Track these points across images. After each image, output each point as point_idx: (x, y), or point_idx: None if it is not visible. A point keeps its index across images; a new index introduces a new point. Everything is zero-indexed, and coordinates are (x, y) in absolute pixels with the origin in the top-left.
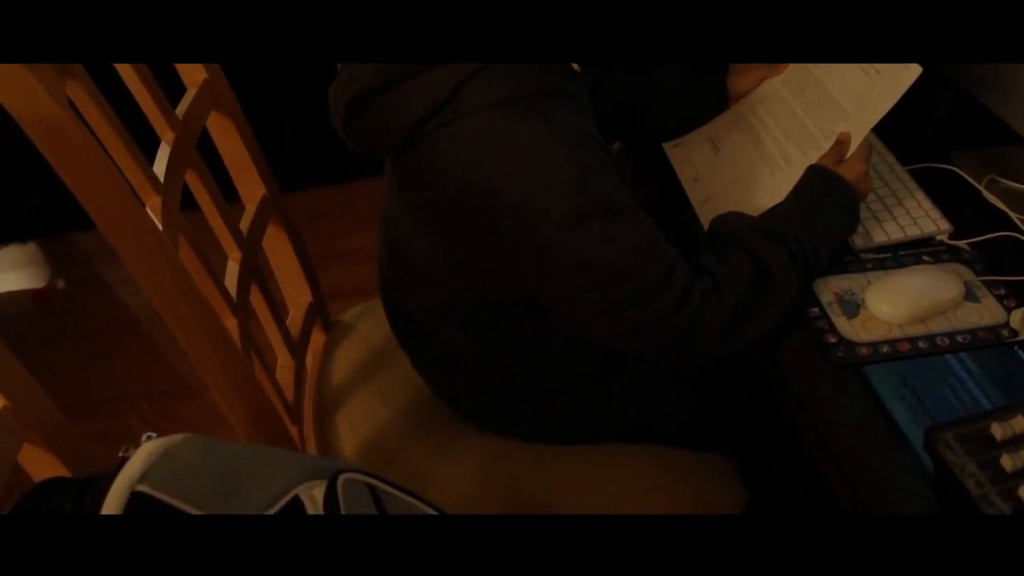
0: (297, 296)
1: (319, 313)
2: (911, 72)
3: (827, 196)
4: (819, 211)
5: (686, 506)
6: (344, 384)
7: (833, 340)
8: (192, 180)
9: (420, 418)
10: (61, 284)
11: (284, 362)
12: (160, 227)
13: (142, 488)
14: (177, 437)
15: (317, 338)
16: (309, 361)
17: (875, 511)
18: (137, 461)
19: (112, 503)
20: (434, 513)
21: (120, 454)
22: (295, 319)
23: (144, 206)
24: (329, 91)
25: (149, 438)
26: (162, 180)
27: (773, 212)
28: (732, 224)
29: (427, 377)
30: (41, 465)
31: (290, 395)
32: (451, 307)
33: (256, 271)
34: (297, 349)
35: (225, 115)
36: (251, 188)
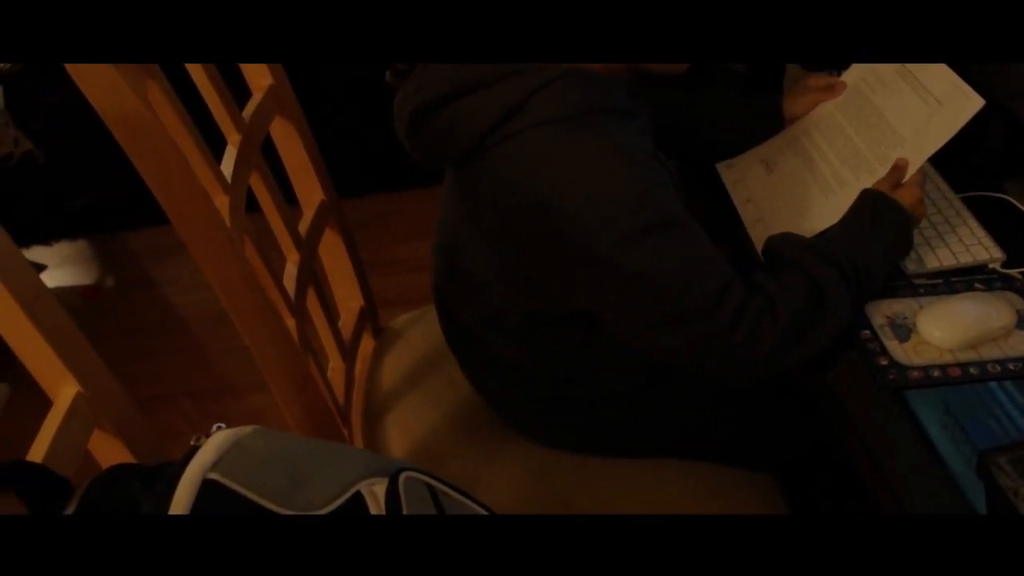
0: (349, 301)
1: (370, 318)
2: (973, 103)
3: (881, 219)
4: (873, 234)
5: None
6: (393, 389)
7: (884, 363)
8: (255, 182)
9: (467, 425)
10: (109, 282)
11: (335, 365)
12: (228, 225)
13: (213, 476)
14: (247, 428)
15: (367, 343)
16: (359, 366)
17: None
18: (209, 449)
19: (185, 490)
20: (483, 512)
21: (192, 443)
22: (346, 323)
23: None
24: (395, 101)
25: (219, 428)
26: (229, 180)
27: (827, 234)
28: (787, 244)
29: (477, 384)
30: (110, 451)
31: (341, 398)
32: (504, 317)
33: (312, 274)
34: (348, 353)
35: (288, 120)
36: (310, 193)
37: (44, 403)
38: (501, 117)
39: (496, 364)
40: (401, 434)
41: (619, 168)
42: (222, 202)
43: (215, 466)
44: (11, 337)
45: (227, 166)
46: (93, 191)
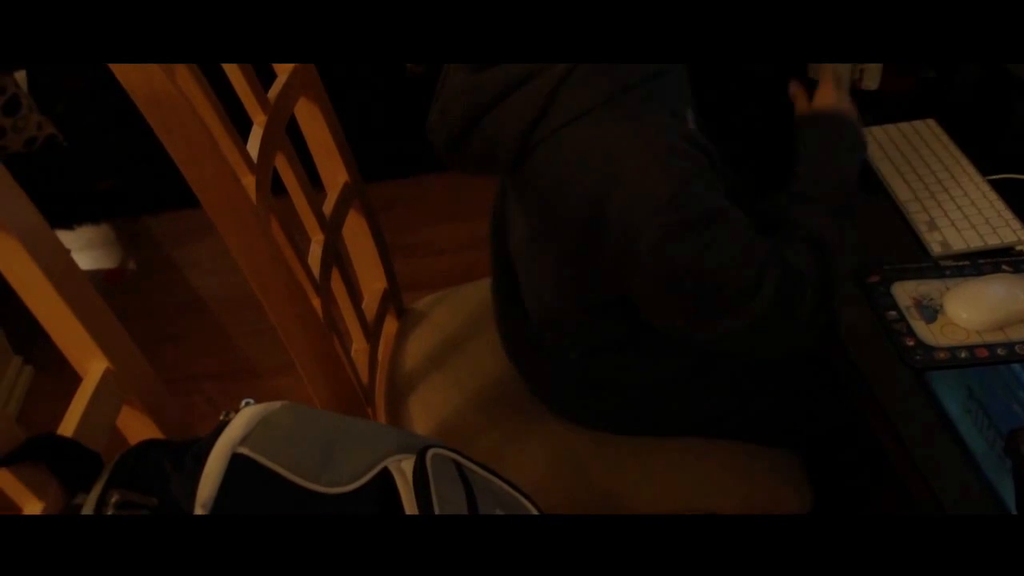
0: (372, 282)
1: (393, 300)
2: None
3: (827, 132)
4: (833, 150)
5: (753, 503)
6: (416, 370)
7: (911, 343)
8: (280, 163)
9: (491, 405)
10: (132, 265)
11: (359, 346)
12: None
13: (243, 451)
14: (276, 404)
15: (390, 324)
16: (382, 347)
17: (947, 505)
18: (238, 425)
19: (214, 463)
20: (512, 491)
21: (220, 418)
22: (370, 305)
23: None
24: (427, 126)
25: (248, 404)
26: (255, 160)
27: (799, 174)
28: (776, 204)
29: (519, 365)
30: (138, 428)
31: (364, 378)
32: (554, 310)
33: (337, 255)
34: (372, 334)
35: (313, 101)
36: (334, 174)
37: (66, 384)
38: (534, 117)
39: (542, 349)
40: (424, 414)
41: (655, 164)
42: (249, 182)
43: (244, 441)
44: (41, 313)
45: (253, 146)
46: (116, 175)
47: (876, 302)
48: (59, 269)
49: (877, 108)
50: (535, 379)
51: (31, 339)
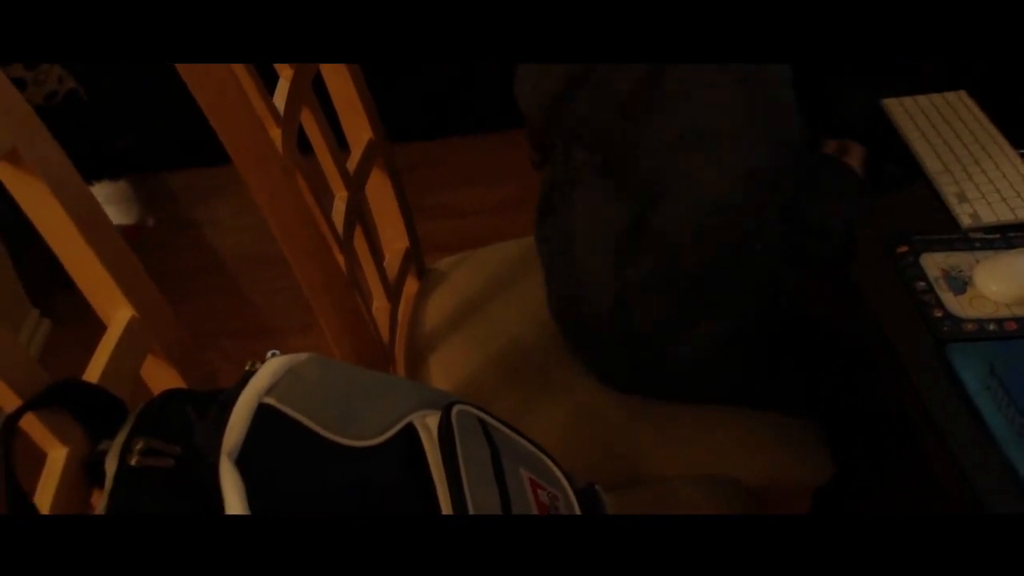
0: (394, 241)
1: (414, 260)
2: None
3: None
4: None
5: (773, 473)
6: (436, 330)
7: (939, 314)
8: (306, 118)
9: (510, 367)
10: (151, 222)
11: (380, 304)
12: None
13: (269, 401)
14: (302, 356)
15: (411, 284)
16: (402, 306)
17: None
18: (264, 375)
19: (240, 413)
20: (535, 450)
21: (247, 368)
22: (391, 263)
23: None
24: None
25: (274, 355)
26: (281, 114)
27: None
28: None
29: (565, 327)
30: (161, 377)
31: (385, 336)
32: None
33: (359, 213)
34: (393, 293)
35: None
36: (358, 131)
37: (83, 339)
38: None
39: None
40: (444, 374)
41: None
42: (275, 135)
43: (271, 391)
44: (68, 260)
45: (279, 100)
46: (136, 132)
47: (905, 273)
48: (87, 216)
49: (908, 79)
50: (576, 334)
51: (48, 293)
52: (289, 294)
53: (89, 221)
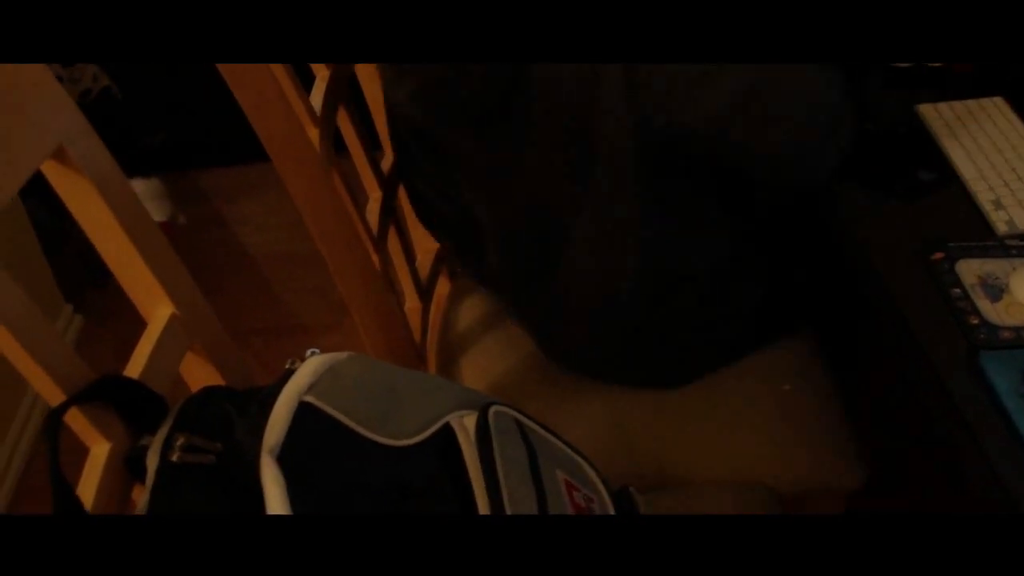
0: (426, 242)
1: (446, 261)
2: None
3: None
4: None
5: (805, 478)
6: (468, 332)
7: (975, 322)
8: (342, 118)
9: (542, 370)
10: (181, 220)
11: (412, 304)
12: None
13: (309, 399)
14: (342, 355)
15: (443, 285)
16: (434, 307)
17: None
18: (305, 373)
19: (281, 410)
20: (571, 452)
21: (287, 366)
22: (423, 264)
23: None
24: None
25: (314, 353)
26: (318, 114)
27: None
28: None
29: (548, 329)
30: (200, 374)
31: (417, 336)
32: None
33: (393, 213)
34: (424, 293)
35: None
36: None
37: (114, 335)
38: None
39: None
40: (475, 374)
41: None
42: (313, 134)
43: (311, 389)
44: (110, 257)
45: (316, 100)
46: (167, 130)
47: (940, 279)
48: (130, 214)
49: (942, 85)
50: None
51: (81, 290)
52: (317, 293)
53: (132, 219)
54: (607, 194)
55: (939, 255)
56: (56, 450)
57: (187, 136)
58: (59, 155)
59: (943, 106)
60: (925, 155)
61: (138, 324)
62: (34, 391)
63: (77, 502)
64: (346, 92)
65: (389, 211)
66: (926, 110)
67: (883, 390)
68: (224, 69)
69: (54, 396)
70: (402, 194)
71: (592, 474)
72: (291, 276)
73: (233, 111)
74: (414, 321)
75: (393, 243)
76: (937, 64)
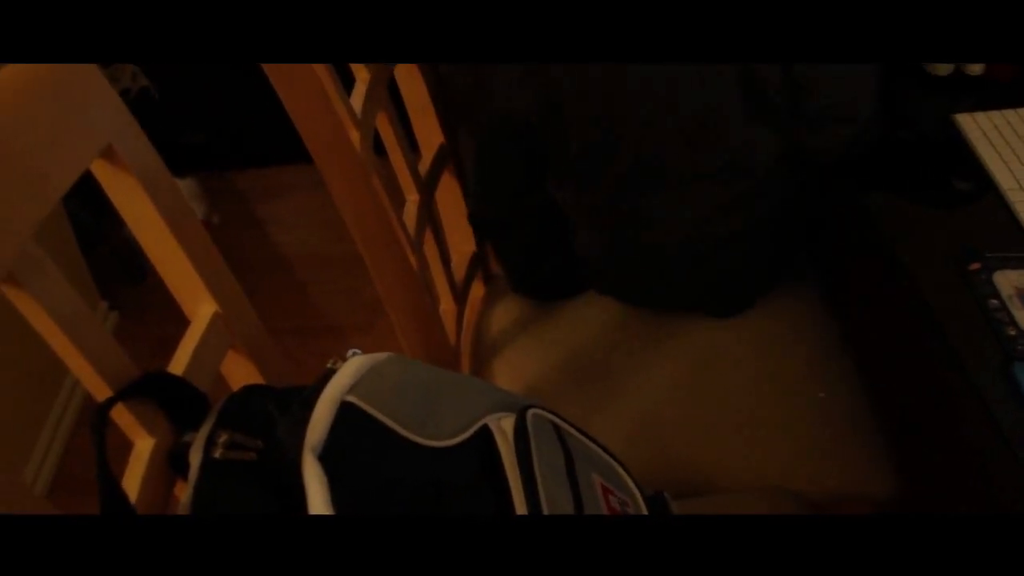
0: (461, 245)
1: (481, 265)
2: None
3: None
4: None
5: (836, 486)
6: (502, 335)
7: (1013, 333)
8: (381, 121)
9: (576, 375)
10: (216, 220)
11: (447, 306)
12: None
13: (350, 399)
14: (382, 355)
15: (477, 288)
16: (468, 310)
17: None
18: (347, 373)
19: (323, 409)
20: (607, 456)
21: (328, 366)
22: (458, 267)
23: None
24: None
25: (355, 353)
26: (359, 116)
27: None
28: None
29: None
30: (241, 373)
31: (452, 339)
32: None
33: (430, 216)
34: (460, 296)
35: None
36: (430, 135)
37: (148, 332)
38: None
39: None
40: (508, 377)
41: None
42: (354, 136)
43: (352, 389)
44: (156, 255)
45: (356, 102)
46: (203, 130)
47: (977, 290)
48: (175, 212)
49: (981, 93)
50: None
51: (116, 288)
52: (350, 294)
53: (177, 217)
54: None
55: (976, 265)
56: (103, 444)
57: (222, 137)
58: (107, 154)
59: (981, 116)
60: (961, 165)
61: (171, 322)
62: (72, 380)
63: (123, 496)
64: (385, 95)
65: (426, 214)
66: (963, 119)
67: (918, 400)
68: (269, 69)
69: (100, 391)
70: (439, 196)
71: (627, 478)
72: (323, 277)
73: (267, 113)
74: (449, 323)
75: (429, 246)
76: (976, 72)
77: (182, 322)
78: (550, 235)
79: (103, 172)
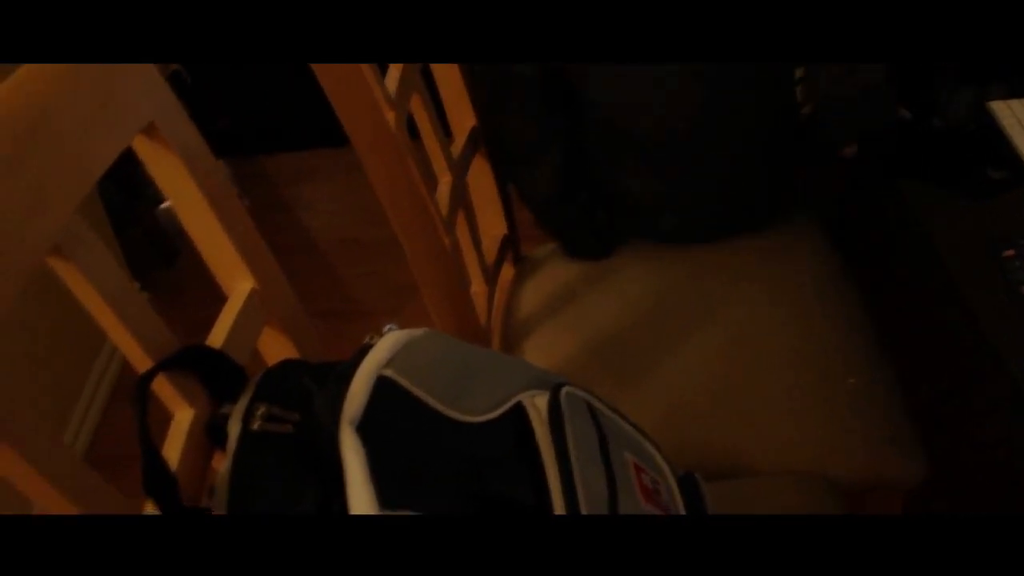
0: (492, 228)
1: (511, 247)
2: None
3: None
4: None
5: (867, 472)
6: (531, 317)
7: None
8: (415, 104)
9: (605, 356)
10: (246, 203)
11: (477, 288)
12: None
13: (387, 373)
14: (418, 331)
15: (507, 270)
16: (498, 291)
17: None
18: (383, 348)
19: (360, 383)
20: (639, 435)
21: (365, 341)
22: (489, 249)
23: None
24: None
25: (391, 329)
26: (394, 98)
27: None
28: None
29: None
30: (277, 349)
31: (483, 319)
32: None
33: (461, 198)
34: (490, 277)
35: None
36: (462, 118)
37: (180, 312)
38: None
39: None
40: (538, 359)
41: None
42: (390, 117)
43: (389, 363)
44: (196, 232)
45: (391, 85)
46: (233, 114)
47: (1011, 276)
48: (216, 189)
49: (1015, 80)
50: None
51: (147, 269)
52: (378, 277)
53: (217, 194)
54: None
55: (1011, 252)
56: (144, 414)
57: (253, 121)
58: (149, 131)
59: (1016, 103)
60: (996, 153)
61: (201, 304)
62: (104, 360)
63: (164, 464)
64: (418, 78)
65: (458, 196)
66: (998, 107)
67: (951, 387)
68: None
69: (141, 363)
70: (470, 179)
71: (658, 457)
72: (353, 261)
73: (298, 98)
74: (479, 304)
75: (461, 228)
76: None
77: (212, 304)
78: (574, 168)
79: (145, 149)
